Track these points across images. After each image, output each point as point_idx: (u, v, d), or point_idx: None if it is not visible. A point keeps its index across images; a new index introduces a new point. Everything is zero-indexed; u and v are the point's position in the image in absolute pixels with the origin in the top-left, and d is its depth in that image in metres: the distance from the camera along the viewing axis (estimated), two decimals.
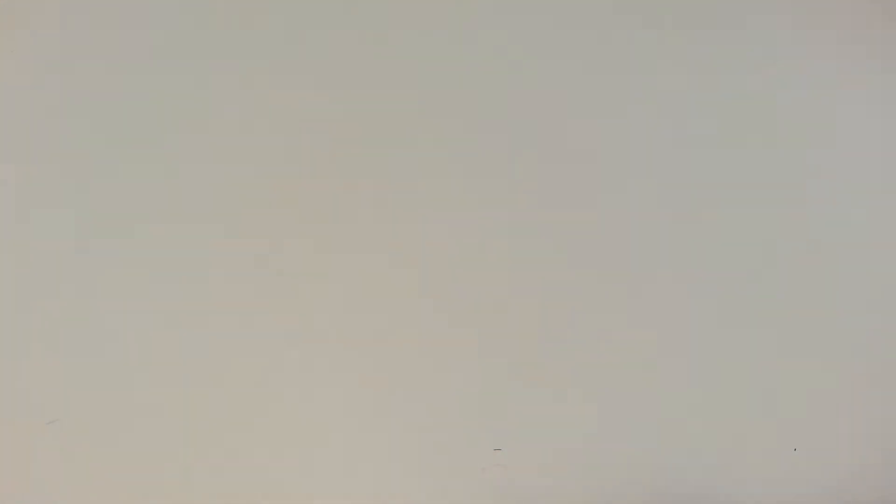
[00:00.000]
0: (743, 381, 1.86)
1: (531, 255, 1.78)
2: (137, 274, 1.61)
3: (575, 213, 1.81)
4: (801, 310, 1.89)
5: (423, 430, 1.72)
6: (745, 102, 1.91)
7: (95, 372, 1.59)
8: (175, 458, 1.60)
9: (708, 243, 1.87)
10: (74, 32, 1.64)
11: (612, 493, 1.78)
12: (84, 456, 1.58)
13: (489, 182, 1.78)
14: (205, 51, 1.68)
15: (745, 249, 1.88)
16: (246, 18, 1.70)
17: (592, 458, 1.78)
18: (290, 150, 1.70)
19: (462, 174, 1.76)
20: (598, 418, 1.79)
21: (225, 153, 1.67)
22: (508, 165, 1.79)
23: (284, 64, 1.71)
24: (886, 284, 1.94)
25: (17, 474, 1.56)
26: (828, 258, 1.91)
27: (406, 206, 1.73)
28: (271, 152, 1.69)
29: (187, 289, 1.63)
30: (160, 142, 1.65)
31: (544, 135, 1.81)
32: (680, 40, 1.88)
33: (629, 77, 1.86)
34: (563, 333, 1.79)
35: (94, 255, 1.60)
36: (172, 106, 1.66)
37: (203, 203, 1.65)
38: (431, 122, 1.76)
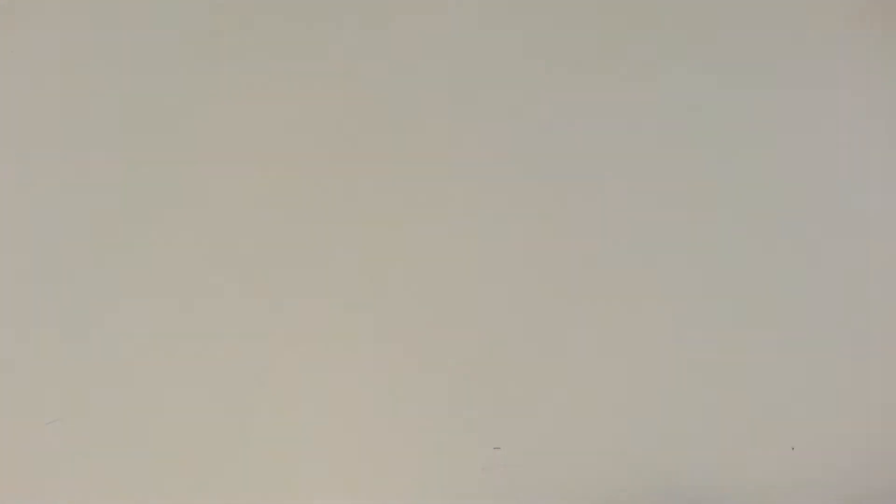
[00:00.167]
0: (742, 380, 1.86)
1: (532, 255, 1.79)
2: (137, 273, 1.61)
3: (575, 212, 1.81)
4: (800, 309, 1.90)
5: (422, 430, 1.72)
6: (745, 103, 1.91)
7: (95, 372, 1.59)
8: (175, 458, 1.60)
9: (707, 243, 1.87)
10: (74, 32, 1.63)
11: (612, 493, 1.79)
12: (84, 456, 1.58)
13: (489, 182, 1.78)
14: (205, 51, 1.68)
15: (744, 249, 1.88)
16: (246, 18, 1.70)
17: (592, 458, 1.78)
18: (289, 150, 1.70)
19: (463, 174, 1.77)
20: (598, 418, 1.79)
21: (225, 153, 1.67)
22: (508, 166, 1.79)
23: (285, 64, 1.71)
24: (886, 283, 1.94)
25: (17, 474, 1.56)
26: (828, 257, 1.92)
27: (406, 206, 1.73)
28: (271, 152, 1.69)
29: (187, 288, 1.63)
30: (160, 142, 1.65)
31: (544, 135, 1.81)
32: (680, 41, 1.89)
33: (629, 77, 1.86)
34: (564, 333, 1.79)
35: (93, 254, 1.60)
36: (172, 106, 1.66)
37: (203, 202, 1.65)
38: (431, 123, 1.76)
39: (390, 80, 1.75)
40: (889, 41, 1.99)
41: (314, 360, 1.67)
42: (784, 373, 1.88)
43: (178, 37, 1.67)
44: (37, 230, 1.59)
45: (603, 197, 1.83)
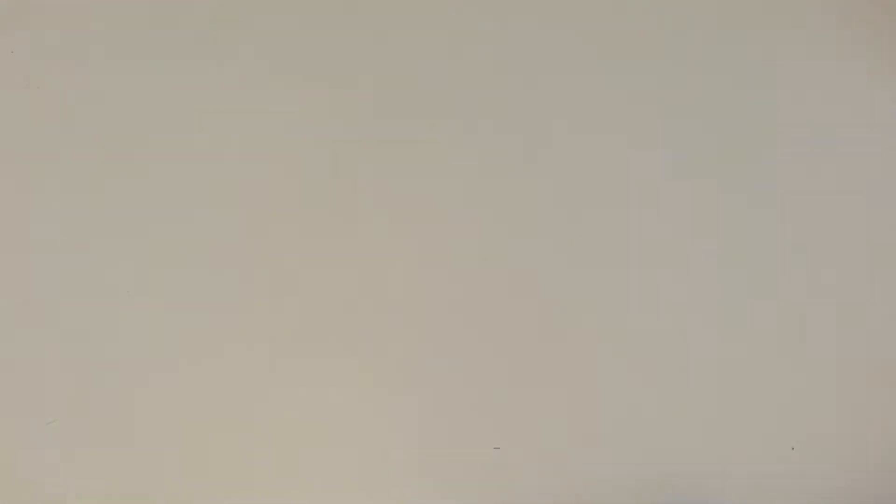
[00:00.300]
0: (742, 380, 1.86)
1: (532, 254, 1.79)
2: (138, 273, 1.61)
3: (575, 212, 1.81)
4: (800, 309, 1.90)
5: (421, 430, 1.72)
6: (744, 103, 1.91)
7: (95, 371, 1.59)
8: (175, 458, 1.60)
9: (706, 243, 1.87)
10: (74, 32, 1.63)
11: (612, 493, 1.79)
12: (84, 456, 1.58)
13: (489, 182, 1.78)
14: (205, 51, 1.68)
15: (743, 249, 1.88)
16: (246, 19, 1.70)
17: (592, 458, 1.78)
18: (289, 150, 1.70)
19: (463, 174, 1.77)
20: (598, 418, 1.79)
21: (225, 153, 1.67)
22: (509, 166, 1.79)
23: (284, 64, 1.71)
24: (886, 282, 1.94)
25: (17, 474, 1.56)
26: (827, 257, 1.92)
27: (406, 206, 1.74)
28: (271, 152, 1.69)
29: (188, 288, 1.63)
30: (160, 141, 1.65)
31: (544, 135, 1.81)
32: (680, 41, 1.89)
33: (628, 78, 1.86)
34: (564, 333, 1.79)
35: (94, 254, 1.60)
36: (172, 106, 1.66)
37: (203, 203, 1.65)
38: (431, 123, 1.76)
39: (390, 80, 1.75)
40: (890, 42, 1.99)
41: (314, 360, 1.67)
42: (784, 373, 1.88)
43: (178, 37, 1.67)
44: (37, 230, 1.59)
45: (603, 197, 1.83)
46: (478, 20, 1.81)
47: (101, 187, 1.62)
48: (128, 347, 1.60)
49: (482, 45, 1.80)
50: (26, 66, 1.60)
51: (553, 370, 1.79)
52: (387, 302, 1.71)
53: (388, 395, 1.71)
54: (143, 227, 1.62)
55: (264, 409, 1.65)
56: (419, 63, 1.77)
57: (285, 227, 1.68)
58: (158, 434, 1.60)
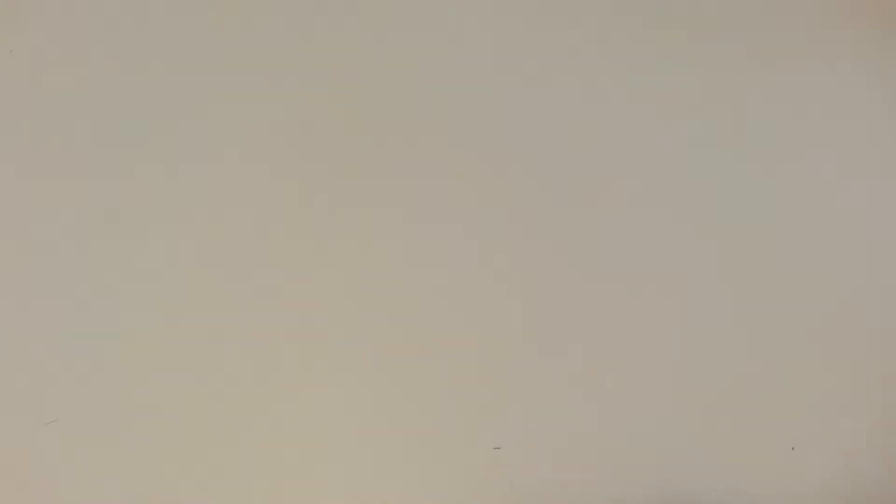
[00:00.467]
0: (742, 380, 1.86)
1: (531, 255, 1.79)
2: (138, 273, 1.61)
3: (573, 213, 1.81)
4: (799, 308, 1.90)
5: (422, 430, 1.72)
6: (744, 103, 1.91)
7: (95, 372, 1.59)
8: (175, 458, 1.60)
9: (706, 243, 1.87)
10: (74, 32, 1.63)
11: (612, 493, 1.79)
12: (84, 456, 1.58)
13: (488, 182, 1.78)
14: (205, 51, 1.68)
15: (742, 249, 1.88)
16: (246, 18, 1.70)
17: (592, 458, 1.79)
18: (289, 150, 1.70)
19: (462, 174, 1.77)
20: (598, 418, 1.79)
21: (225, 153, 1.67)
22: (508, 167, 1.79)
23: (284, 64, 1.71)
24: (886, 282, 1.94)
25: (17, 474, 1.56)
26: (827, 256, 1.92)
27: (406, 206, 1.73)
28: (271, 152, 1.69)
29: (188, 288, 1.63)
30: (160, 142, 1.64)
31: (544, 135, 1.81)
32: (680, 41, 1.89)
33: (628, 78, 1.86)
34: (563, 333, 1.79)
35: (94, 254, 1.60)
36: (172, 106, 1.66)
37: (203, 202, 1.65)
38: (431, 123, 1.76)
39: (390, 81, 1.75)
40: (890, 43, 1.99)
41: (315, 361, 1.67)
42: (784, 373, 1.88)
43: (178, 37, 1.67)
44: (36, 230, 1.59)
45: (603, 198, 1.83)
46: (477, 22, 1.81)
47: (101, 187, 1.61)
48: (128, 347, 1.60)
49: (480, 50, 1.80)
50: (26, 66, 1.60)
51: (553, 371, 1.79)
52: (387, 302, 1.71)
53: (388, 395, 1.71)
54: (144, 226, 1.62)
55: (264, 409, 1.65)
56: (417, 67, 1.77)
57: (286, 228, 1.68)
58: (158, 434, 1.60)
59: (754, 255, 1.89)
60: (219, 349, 1.63)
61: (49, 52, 1.62)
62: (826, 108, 1.96)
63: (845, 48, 1.98)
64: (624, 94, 1.86)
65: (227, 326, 1.64)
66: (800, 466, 1.87)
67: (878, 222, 1.96)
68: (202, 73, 1.67)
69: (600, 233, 1.82)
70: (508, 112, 1.80)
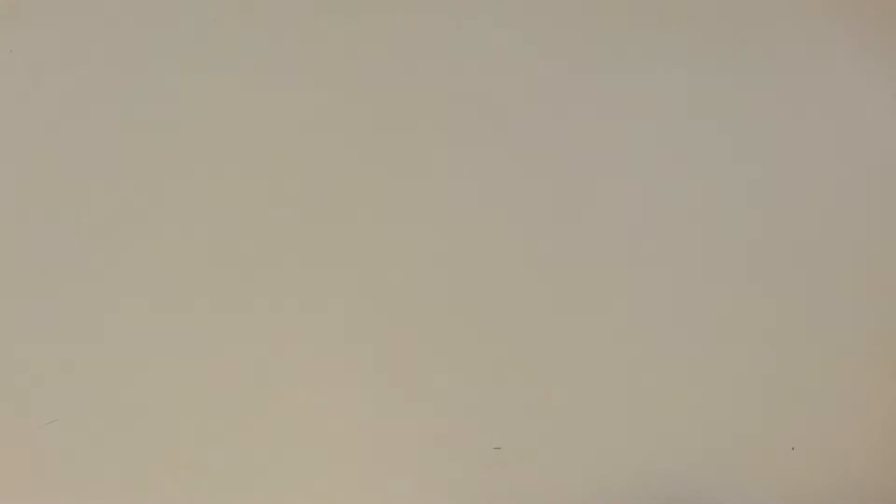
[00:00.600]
0: (741, 379, 1.86)
1: (532, 254, 1.79)
2: (138, 273, 1.61)
3: (573, 213, 1.81)
4: (799, 308, 1.90)
5: (421, 430, 1.72)
6: (743, 103, 1.91)
7: (95, 371, 1.59)
8: (175, 458, 1.60)
9: (706, 242, 1.87)
10: (74, 32, 1.63)
11: (612, 493, 1.79)
12: (84, 456, 1.58)
13: (490, 181, 1.78)
14: (204, 51, 1.68)
15: (742, 248, 1.88)
16: (246, 18, 1.70)
17: (592, 458, 1.78)
18: (289, 150, 1.70)
19: (462, 174, 1.77)
20: (598, 418, 1.79)
21: (224, 153, 1.67)
22: (508, 165, 1.79)
23: (284, 65, 1.71)
24: (886, 282, 1.94)
25: (17, 474, 1.56)
26: (827, 256, 1.92)
27: (406, 205, 1.74)
28: (270, 152, 1.69)
29: (188, 288, 1.63)
30: (160, 142, 1.65)
31: (543, 134, 1.81)
32: (680, 41, 1.89)
33: (627, 77, 1.86)
34: (564, 333, 1.79)
35: (94, 254, 1.60)
36: (172, 106, 1.66)
37: (204, 202, 1.65)
38: (430, 123, 1.76)
39: (390, 80, 1.75)
40: (889, 43, 1.99)
41: (314, 361, 1.67)
42: (784, 373, 1.88)
43: (178, 37, 1.67)
44: (37, 230, 1.59)
45: (603, 196, 1.83)
46: (477, 21, 1.81)
47: (101, 187, 1.61)
48: (128, 347, 1.60)
49: (483, 47, 1.80)
50: (26, 66, 1.60)
51: (553, 370, 1.79)
52: (387, 302, 1.71)
53: (388, 395, 1.71)
54: (144, 226, 1.62)
55: (264, 409, 1.65)
56: (420, 65, 1.77)
57: (286, 227, 1.68)
58: (158, 434, 1.60)
59: (754, 255, 1.88)
60: (220, 349, 1.63)
61: (49, 52, 1.62)
62: (826, 107, 1.96)
63: (845, 48, 1.98)
64: (624, 93, 1.86)
65: (228, 326, 1.64)
66: (800, 466, 1.87)
67: (878, 222, 1.95)
68: (202, 72, 1.67)
69: (600, 232, 1.82)
70: (508, 112, 1.80)
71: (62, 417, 1.57)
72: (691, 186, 1.87)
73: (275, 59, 1.70)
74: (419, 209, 1.74)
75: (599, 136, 1.84)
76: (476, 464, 1.73)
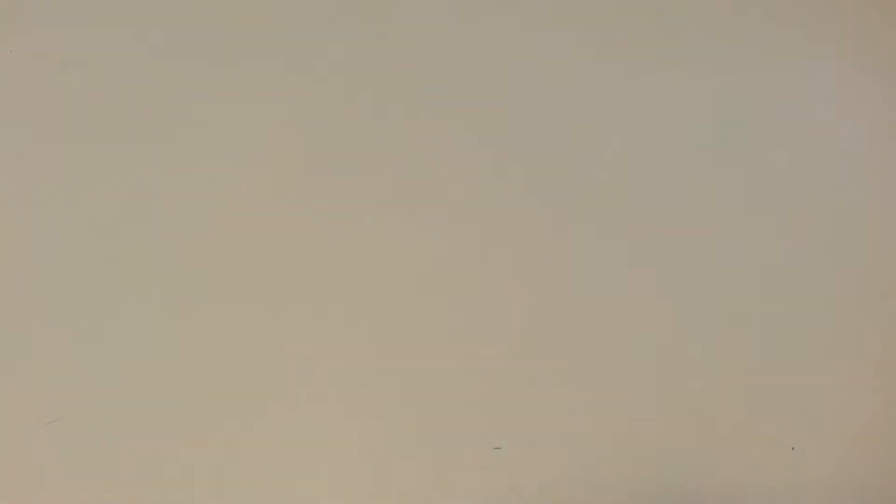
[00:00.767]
0: (742, 380, 1.86)
1: (531, 254, 1.79)
2: (137, 273, 1.61)
3: (573, 212, 1.81)
4: (799, 308, 1.90)
5: (421, 430, 1.72)
6: (743, 103, 1.91)
7: (95, 371, 1.59)
8: (175, 458, 1.60)
9: (705, 242, 1.87)
10: (74, 32, 1.63)
11: (612, 493, 1.79)
12: (84, 456, 1.58)
13: (487, 183, 1.78)
14: (204, 51, 1.68)
15: (742, 248, 1.88)
16: (246, 18, 1.70)
17: (592, 458, 1.79)
18: (287, 150, 1.70)
19: (461, 175, 1.77)
20: (598, 418, 1.79)
21: (223, 153, 1.67)
22: (508, 167, 1.79)
23: (284, 65, 1.71)
24: (886, 281, 1.94)
25: (17, 474, 1.56)
26: (827, 257, 1.92)
27: (405, 206, 1.73)
28: (269, 152, 1.69)
29: (188, 288, 1.63)
30: (160, 142, 1.64)
31: (543, 135, 1.81)
32: (680, 41, 1.89)
33: (627, 77, 1.87)
34: (563, 333, 1.79)
35: (94, 253, 1.60)
36: (171, 106, 1.66)
37: (203, 203, 1.65)
38: (429, 123, 1.76)
39: (390, 80, 1.75)
40: (889, 42, 1.99)
41: (314, 361, 1.67)
42: (784, 373, 1.88)
43: (178, 37, 1.67)
44: (37, 230, 1.59)
45: (603, 198, 1.83)
46: (477, 20, 1.81)
47: (101, 187, 1.61)
48: (128, 347, 1.60)
49: (482, 45, 1.80)
50: (26, 66, 1.60)
51: (553, 371, 1.79)
52: (387, 302, 1.71)
53: (388, 395, 1.71)
54: (144, 226, 1.62)
55: (264, 409, 1.65)
56: (417, 62, 1.77)
57: (286, 227, 1.68)
58: (158, 434, 1.60)
59: (754, 255, 1.89)
60: (220, 349, 1.63)
61: (49, 52, 1.62)
62: (826, 107, 1.96)
63: (845, 48, 1.98)
64: (624, 93, 1.86)
65: (228, 326, 1.64)
66: (800, 466, 1.87)
67: (878, 222, 1.96)
68: (202, 72, 1.67)
69: (600, 232, 1.82)
70: (509, 112, 1.80)
71: (62, 417, 1.57)
72: (693, 187, 1.87)
73: (274, 59, 1.70)
74: (420, 209, 1.74)
75: (599, 135, 1.85)
76: (476, 464, 1.73)
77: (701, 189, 1.88)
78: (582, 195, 1.82)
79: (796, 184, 1.92)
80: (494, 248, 1.77)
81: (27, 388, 1.56)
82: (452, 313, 1.74)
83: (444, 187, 1.75)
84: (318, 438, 1.67)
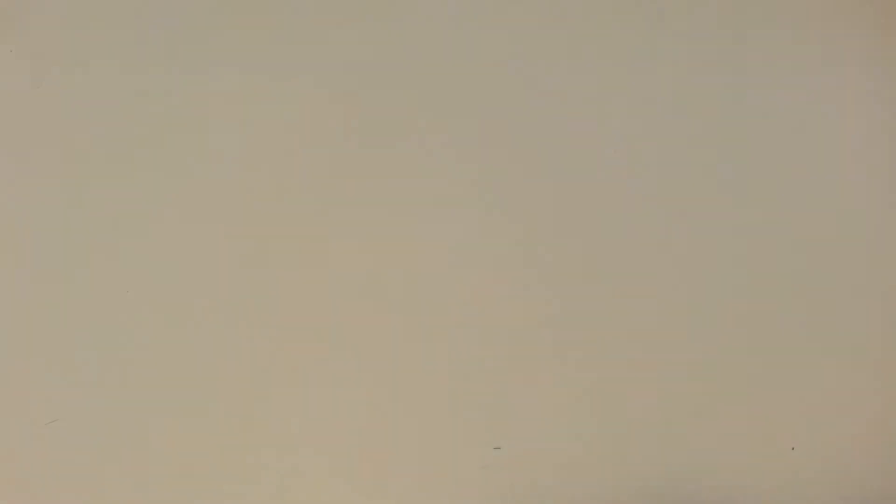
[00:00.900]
0: (742, 380, 1.86)
1: (530, 253, 1.79)
2: (137, 273, 1.61)
3: (573, 211, 1.81)
4: (798, 308, 1.90)
5: (422, 430, 1.72)
6: (743, 103, 1.91)
7: (95, 372, 1.59)
8: (175, 458, 1.60)
9: (705, 242, 1.87)
10: (74, 32, 1.63)
11: (612, 493, 1.79)
12: (84, 456, 1.58)
13: (486, 182, 1.78)
14: (204, 51, 1.68)
15: (742, 248, 1.88)
16: (246, 18, 1.70)
17: (592, 458, 1.78)
18: (287, 150, 1.70)
19: (459, 174, 1.77)
20: (598, 418, 1.79)
21: (224, 153, 1.67)
22: (508, 166, 1.79)
23: (283, 64, 1.71)
24: (886, 282, 1.94)
25: (17, 474, 1.56)
26: (827, 256, 1.92)
27: (402, 206, 1.73)
28: (269, 152, 1.69)
29: (187, 288, 1.63)
30: (160, 142, 1.64)
31: (543, 134, 1.81)
32: (680, 41, 1.89)
33: (627, 77, 1.86)
34: (564, 332, 1.79)
35: (94, 254, 1.60)
36: (171, 106, 1.66)
37: (201, 203, 1.65)
38: (428, 122, 1.76)
39: (389, 80, 1.75)
40: (888, 42, 1.99)
41: (314, 361, 1.67)
42: (784, 373, 1.88)
43: (178, 37, 1.67)
44: (37, 230, 1.59)
45: (603, 197, 1.83)
46: (477, 20, 1.81)
47: (101, 187, 1.61)
48: (128, 347, 1.60)
49: (482, 45, 1.80)
50: (26, 66, 1.60)
51: (553, 371, 1.79)
52: (387, 302, 1.71)
53: (388, 395, 1.71)
54: (144, 227, 1.62)
55: (264, 410, 1.65)
56: (417, 62, 1.77)
57: (286, 229, 1.68)
58: (158, 434, 1.60)
59: (754, 254, 1.88)
60: (220, 349, 1.63)
61: (49, 52, 1.62)
62: (826, 108, 1.96)
63: (845, 48, 1.98)
64: (624, 93, 1.86)
65: (228, 326, 1.64)
66: (800, 466, 1.87)
67: (878, 222, 1.96)
68: (202, 72, 1.67)
69: (600, 231, 1.82)
70: (509, 112, 1.80)
71: (62, 417, 1.57)
72: (693, 187, 1.87)
73: (276, 58, 1.70)
74: (420, 209, 1.74)
75: (599, 136, 1.84)
76: (476, 464, 1.73)
77: (701, 189, 1.87)
78: (582, 195, 1.82)
79: (796, 184, 1.92)
80: (494, 248, 1.77)
81: (27, 388, 1.56)
82: (452, 313, 1.74)
83: (444, 187, 1.75)
84: (318, 438, 1.67)
